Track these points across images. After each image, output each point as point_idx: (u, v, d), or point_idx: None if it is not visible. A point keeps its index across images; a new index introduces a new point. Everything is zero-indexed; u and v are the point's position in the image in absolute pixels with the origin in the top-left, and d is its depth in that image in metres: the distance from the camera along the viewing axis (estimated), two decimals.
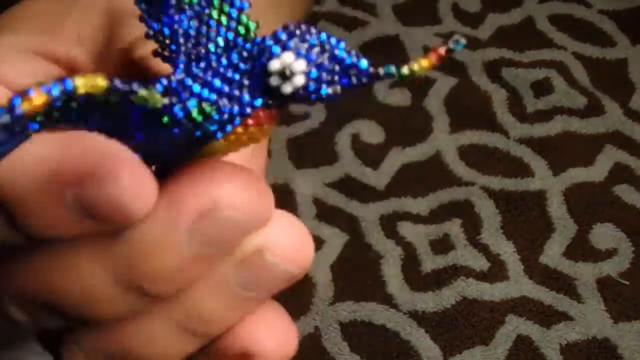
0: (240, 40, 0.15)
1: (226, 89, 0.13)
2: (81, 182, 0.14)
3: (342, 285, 0.43)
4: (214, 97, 0.13)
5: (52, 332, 0.17)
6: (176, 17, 0.15)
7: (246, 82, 0.14)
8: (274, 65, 0.13)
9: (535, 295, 0.43)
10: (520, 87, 0.53)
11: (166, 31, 0.15)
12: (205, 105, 0.13)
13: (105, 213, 0.14)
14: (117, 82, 0.13)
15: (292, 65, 0.13)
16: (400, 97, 0.52)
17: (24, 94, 0.11)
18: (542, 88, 0.54)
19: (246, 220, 0.14)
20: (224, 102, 0.13)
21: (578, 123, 0.52)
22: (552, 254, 0.45)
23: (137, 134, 0.14)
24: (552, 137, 0.51)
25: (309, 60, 0.13)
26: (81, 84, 0.12)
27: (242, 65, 0.14)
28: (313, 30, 0.14)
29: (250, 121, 0.14)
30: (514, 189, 0.48)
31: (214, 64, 0.14)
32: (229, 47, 0.15)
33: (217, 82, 0.13)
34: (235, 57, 0.14)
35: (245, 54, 0.14)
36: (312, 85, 0.14)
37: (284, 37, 0.14)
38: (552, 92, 0.53)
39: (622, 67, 0.55)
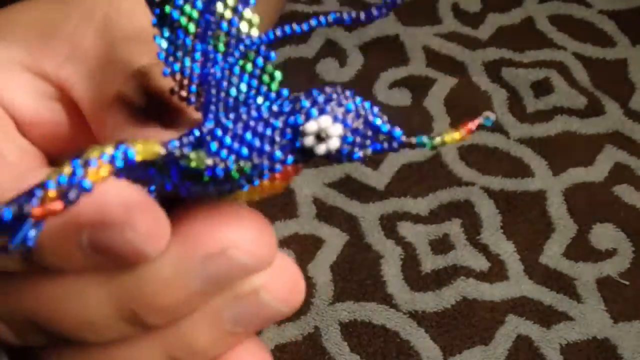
0: (264, 88, 0.15)
1: (257, 143, 0.14)
2: (97, 226, 0.14)
3: (342, 285, 0.43)
4: (245, 151, 0.14)
5: (25, 347, 0.17)
6: (206, 64, 0.15)
7: (277, 138, 0.14)
8: (311, 127, 0.14)
9: (535, 295, 0.43)
10: (520, 87, 0.53)
11: (188, 73, 0.15)
12: (243, 163, 0.14)
13: (119, 254, 0.14)
14: (172, 148, 0.13)
15: (329, 129, 0.14)
16: (400, 97, 0.52)
17: (85, 163, 0.11)
18: (542, 88, 0.54)
19: (253, 264, 0.15)
20: (258, 159, 0.14)
21: (578, 123, 0.52)
22: (552, 254, 0.45)
23: (167, 184, 0.14)
24: (552, 137, 0.51)
25: (345, 125, 0.14)
26: (140, 150, 0.12)
27: (273, 121, 0.14)
28: (348, 93, 0.14)
29: (277, 175, 0.14)
30: (514, 189, 0.48)
31: (244, 116, 0.14)
32: (252, 96, 0.15)
33: (249, 136, 0.14)
34: (265, 110, 0.14)
35: (275, 108, 0.14)
36: (345, 149, 0.14)
37: (321, 99, 0.14)
38: (552, 92, 0.53)
39: (622, 67, 0.55)
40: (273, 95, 0.15)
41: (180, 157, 0.13)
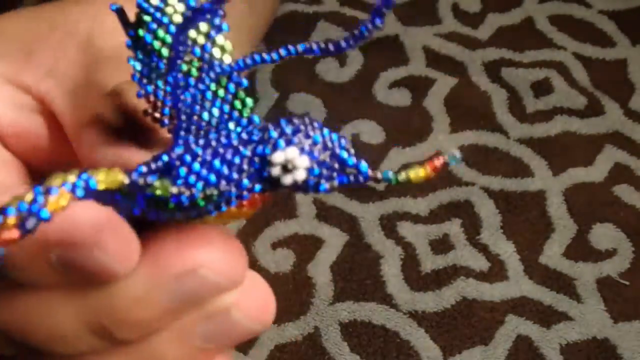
0: (235, 114, 0.15)
1: (225, 170, 0.14)
2: (66, 246, 0.14)
3: (342, 285, 0.43)
4: (213, 178, 0.14)
5: None
6: (178, 89, 0.15)
7: (245, 166, 0.14)
8: (278, 157, 0.14)
9: (535, 295, 0.43)
10: (520, 87, 0.53)
11: (161, 96, 0.15)
12: (209, 191, 0.14)
13: (88, 273, 0.14)
14: (136, 177, 0.13)
15: (296, 161, 0.14)
16: (400, 97, 0.52)
17: (46, 192, 0.11)
18: (542, 88, 0.54)
19: (224, 282, 0.15)
20: (226, 186, 0.14)
21: (578, 123, 0.52)
22: (552, 254, 0.45)
23: (135, 210, 0.14)
24: (552, 137, 0.51)
25: (312, 157, 0.14)
26: (102, 179, 0.12)
27: (242, 149, 0.14)
28: (316, 124, 0.14)
29: (245, 202, 0.14)
30: (514, 189, 0.48)
31: (213, 142, 0.14)
32: (224, 121, 0.15)
33: (217, 164, 0.14)
34: (235, 138, 0.14)
35: (244, 135, 0.14)
36: (312, 181, 0.14)
37: (288, 131, 0.14)
38: (552, 92, 0.53)
39: (622, 67, 0.55)
40: (244, 121, 0.15)
41: (144, 186, 0.13)
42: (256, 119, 0.15)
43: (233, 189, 0.14)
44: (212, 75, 0.15)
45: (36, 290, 0.15)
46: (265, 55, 0.15)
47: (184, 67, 0.15)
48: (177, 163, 0.14)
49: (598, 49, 0.56)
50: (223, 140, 0.14)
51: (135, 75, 0.15)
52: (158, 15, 0.15)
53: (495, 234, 0.45)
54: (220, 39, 0.15)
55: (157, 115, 0.15)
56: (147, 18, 0.15)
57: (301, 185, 0.14)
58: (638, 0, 0.60)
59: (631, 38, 0.57)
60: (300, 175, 0.14)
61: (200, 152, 0.14)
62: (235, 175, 0.14)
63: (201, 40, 0.15)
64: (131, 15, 0.15)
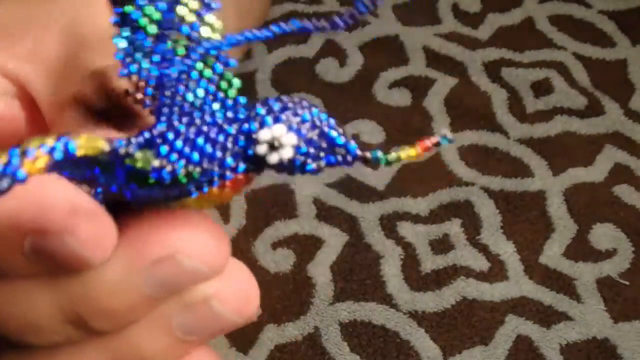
0: (220, 95, 0.15)
1: (209, 149, 0.13)
2: (39, 233, 0.13)
3: (342, 285, 0.43)
4: (196, 156, 0.13)
5: None
6: (163, 67, 0.14)
7: (229, 145, 0.13)
8: (264, 135, 0.13)
9: (535, 295, 0.43)
10: (520, 87, 0.53)
11: (145, 75, 0.15)
12: (192, 168, 0.13)
13: (62, 261, 0.14)
14: (118, 145, 0.13)
15: (283, 138, 0.13)
16: (400, 97, 0.52)
17: (23, 153, 0.11)
18: (542, 88, 0.54)
19: (203, 270, 0.15)
20: (208, 165, 0.13)
21: (578, 123, 0.52)
22: (552, 254, 0.45)
23: (113, 186, 0.13)
24: (552, 137, 0.51)
25: (299, 135, 0.13)
26: (82, 144, 0.12)
27: (227, 127, 0.13)
28: (305, 104, 0.14)
29: (228, 183, 0.14)
30: (514, 189, 0.48)
31: (197, 120, 0.14)
32: (209, 101, 0.14)
33: (201, 141, 0.13)
34: (220, 116, 0.14)
35: (230, 114, 0.14)
36: (298, 160, 0.13)
37: (277, 108, 0.13)
38: (552, 92, 0.53)
39: (622, 68, 0.55)
40: (229, 102, 0.15)
41: (125, 155, 0.13)
42: (242, 99, 0.15)
43: (216, 168, 0.13)
44: (200, 51, 0.14)
45: (9, 279, 0.15)
46: (257, 32, 0.15)
47: (170, 45, 0.15)
48: (159, 140, 0.13)
49: (598, 49, 0.56)
50: (207, 118, 0.14)
51: (119, 53, 0.15)
52: None
53: (495, 234, 0.45)
54: (210, 17, 0.15)
55: (139, 96, 0.15)
56: None
57: (287, 165, 0.14)
58: (638, 0, 0.60)
59: (631, 38, 0.57)
60: (287, 153, 0.13)
61: (183, 129, 0.13)
62: (218, 154, 0.13)
63: (190, 18, 0.15)
64: None
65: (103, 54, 0.17)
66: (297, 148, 0.14)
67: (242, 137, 0.14)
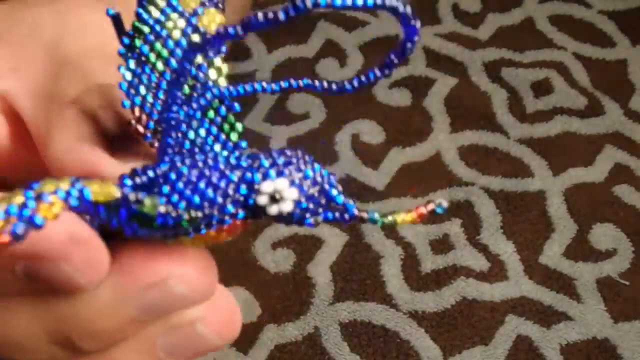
0: (222, 137, 0.15)
1: (210, 193, 0.13)
2: (34, 258, 0.13)
3: (342, 285, 0.43)
4: (197, 200, 0.13)
5: None
6: (168, 104, 0.14)
7: (231, 192, 0.14)
8: (267, 187, 0.13)
9: (535, 295, 0.43)
10: (520, 87, 0.53)
11: (148, 109, 0.15)
12: (194, 213, 0.13)
13: (55, 285, 0.14)
14: (128, 192, 0.13)
15: (284, 192, 0.13)
16: (400, 97, 0.52)
17: (38, 197, 0.11)
18: (542, 88, 0.54)
19: (191, 296, 0.15)
20: (209, 210, 0.13)
21: (578, 123, 0.52)
22: (552, 254, 0.45)
23: (114, 221, 0.14)
24: (552, 137, 0.51)
25: (301, 191, 0.14)
26: (96, 191, 0.12)
27: (229, 174, 0.14)
28: (308, 159, 0.14)
29: (225, 227, 0.14)
30: (514, 189, 0.48)
31: (200, 164, 0.14)
32: (210, 142, 0.15)
33: (202, 185, 0.13)
34: (222, 162, 0.14)
35: (233, 160, 0.14)
36: (297, 213, 0.14)
37: (280, 162, 0.14)
38: (552, 92, 0.53)
39: (622, 68, 0.55)
40: (231, 145, 0.15)
41: (135, 202, 0.13)
42: (243, 144, 0.15)
43: (216, 213, 0.14)
44: (208, 96, 0.15)
45: None
46: (265, 85, 0.15)
47: (177, 84, 0.15)
48: (161, 180, 0.13)
49: (598, 49, 0.56)
50: (210, 162, 0.14)
51: (123, 84, 0.15)
52: (157, 28, 0.15)
53: (495, 234, 0.45)
54: (218, 60, 0.15)
55: (141, 128, 0.15)
56: (145, 29, 0.15)
57: (285, 217, 0.14)
58: (638, 0, 0.60)
59: (631, 38, 0.57)
60: (287, 207, 0.14)
61: (185, 171, 0.14)
62: (219, 200, 0.14)
63: (198, 59, 0.15)
64: (127, 24, 0.15)
65: (80, 77, 0.17)
66: (297, 203, 0.14)
67: (243, 186, 0.14)
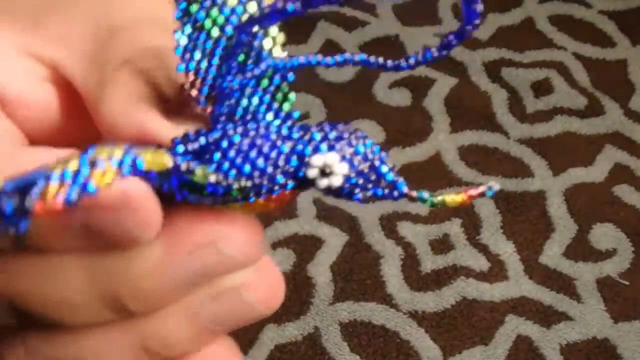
0: (275, 105, 0.15)
1: (260, 163, 0.14)
2: (92, 208, 0.14)
3: (342, 285, 0.43)
4: (248, 169, 0.14)
5: None
6: (222, 71, 0.15)
7: (281, 163, 0.14)
8: (317, 160, 0.14)
9: (535, 295, 0.43)
10: (520, 87, 0.53)
11: (202, 75, 0.15)
12: (244, 183, 0.14)
13: (111, 238, 0.14)
14: (180, 162, 0.13)
15: (335, 166, 0.14)
16: (400, 97, 0.52)
17: (92, 163, 0.11)
18: (542, 88, 0.54)
19: (240, 258, 0.15)
20: (259, 179, 0.14)
21: (578, 123, 0.52)
22: (552, 254, 0.45)
23: (165, 186, 0.14)
24: (552, 137, 0.51)
25: (351, 166, 0.14)
26: (149, 160, 0.12)
27: (280, 144, 0.14)
28: (360, 134, 0.14)
29: (274, 197, 0.14)
30: (514, 189, 0.48)
31: (252, 132, 0.14)
32: (263, 111, 0.15)
33: (253, 154, 0.14)
34: (274, 132, 0.14)
35: (284, 131, 0.14)
36: (347, 188, 0.14)
37: (332, 136, 0.14)
38: (552, 92, 0.53)
39: (622, 68, 0.55)
40: (283, 114, 0.15)
41: (186, 171, 0.13)
42: (296, 114, 0.15)
43: (265, 182, 0.14)
44: (262, 67, 0.15)
45: (48, 254, 0.15)
46: (320, 58, 0.15)
47: (232, 51, 0.15)
48: (213, 147, 0.14)
49: (598, 49, 0.56)
50: (262, 131, 0.14)
51: (178, 49, 0.15)
52: None
53: (495, 234, 0.45)
54: (274, 30, 0.15)
55: (194, 93, 0.15)
56: None
57: (334, 191, 0.14)
58: (638, 0, 0.60)
59: (631, 38, 0.57)
60: (337, 181, 0.14)
61: (237, 140, 0.14)
62: (269, 170, 0.14)
63: (254, 28, 0.15)
64: None
65: (133, 40, 0.17)
66: (347, 178, 0.14)
67: (294, 158, 0.14)
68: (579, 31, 0.57)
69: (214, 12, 0.15)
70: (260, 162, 0.14)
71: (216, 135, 0.14)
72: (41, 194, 0.11)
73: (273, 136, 0.14)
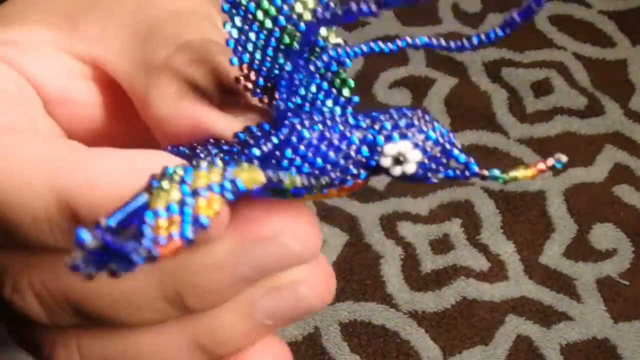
0: (333, 92, 0.15)
1: (332, 156, 0.14)
2: None
3: (342, 285, 0.43)
4: (320, 162, 0.14)
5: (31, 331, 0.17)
6: (277, 62, 0.15)
7: (352, 153, 0.14)
8: (391, 149, 0.14)
9: (535, 295, 0.43)
10: (520, 87, 0.53)
11: (257, 66, 0.15)
12: (323, 180, 0.14)
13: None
14: (271, 176, 0.13)
15: (408, 154, 0.14)
16: (400, 97, 0.52)
17: (194, 193, 0.11)
18: (542, 88, 0.54)
19: (303, 253, 0.15)
20: (332, 172, 0.14)
21: (578, 123, 0.52)
22: (552, 254, 0.45)
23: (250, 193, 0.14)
24: (552, 137, 0.51)
25: (424, 153, 0.14)
26: (246, 181, 0.12)
27: (350, 135, 0.14)
28: (428, 118, 0.14)
29: (345, 186, 0.14)
30: (514, 189, 0.48)
31: (319, 125, 0.14)
32: (322, 98, 0.15)
33: (324, 148, 0.14)
34: (341, 121, 0.14)
35: (351, 121, 0.14)
36: (420, 173, 0.14)
37: (403, 123, 0.14)
38: (552, 92, 0.53)
39: (622, 68, 0.55)
40: (343, 100, 0.15)
41: (276, 181, 0.13)
42: (356, 99, 0.15)
43: (338, 174, 0.14)
44: (325, 58, 0.15)
45: None
46: (382, 45, 0.15)
47: (287, 40, 0.15)
48: (284, 145, 0.14)
49: (598, 49, 0.56)
50: (329, 122, 0.14)
51: (230, 41, 0.15)
52: None
53: (495, 234, 0.45)
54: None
55: (249, 85, 0.15)
56: None
57: (408, 177, 0.14)
58: (638, 0, 0.60)
59: (631, 38, 0.57)
60: (410, 168, 0.14)
61: (307, 135, 0.14)
62: (341, 161, 0.14)
63: (307, 15, 0.15)
64: None
65: (174, 35, 0.17)
66: (420, 164, 0.14)
67: (365, 148, 0.14)
68: (579, 31, 0.57)
69: (265, 3, 0.15)
70: (332, 154, 0.14)
71: (285, 131, 0.14)
72: (152, 228, 0.10)
73: (341, 126, 0.14)
